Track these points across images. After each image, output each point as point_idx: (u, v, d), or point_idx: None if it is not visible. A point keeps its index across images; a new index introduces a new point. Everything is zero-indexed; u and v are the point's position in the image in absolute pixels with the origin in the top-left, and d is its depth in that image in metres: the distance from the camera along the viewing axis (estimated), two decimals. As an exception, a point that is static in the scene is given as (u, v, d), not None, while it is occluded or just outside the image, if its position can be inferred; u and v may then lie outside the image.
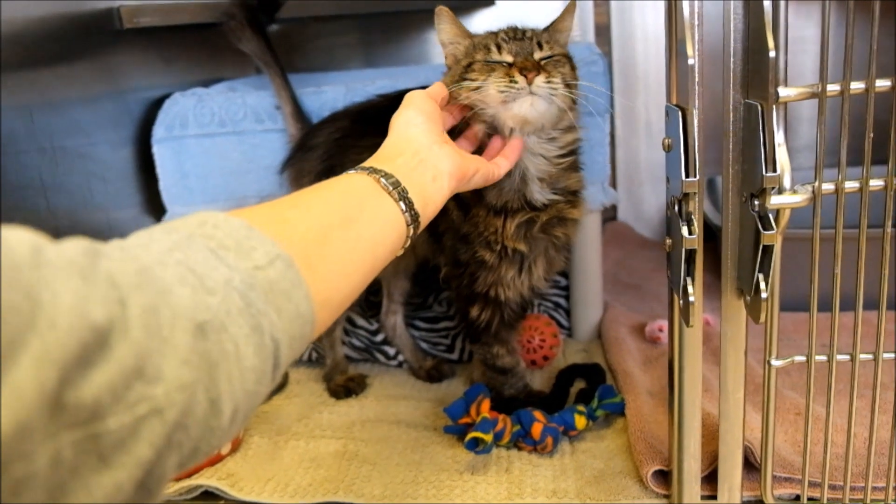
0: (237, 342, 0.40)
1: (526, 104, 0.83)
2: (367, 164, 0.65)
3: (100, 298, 0.32)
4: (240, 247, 0.44)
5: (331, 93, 1.20)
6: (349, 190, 0.60)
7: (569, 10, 0.91)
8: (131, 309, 0.34)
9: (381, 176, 0.62)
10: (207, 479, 0.93)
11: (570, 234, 0.98)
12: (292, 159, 1.16)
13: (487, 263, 0.96)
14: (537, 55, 0.86)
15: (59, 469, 0.30)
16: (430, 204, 0.66)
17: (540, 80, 0.82)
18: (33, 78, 0.98)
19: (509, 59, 0.85)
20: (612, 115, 1.21)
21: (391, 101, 0.98)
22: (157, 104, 1.23)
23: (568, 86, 0.84)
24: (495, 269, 0.96)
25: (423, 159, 0.67)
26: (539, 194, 0.92)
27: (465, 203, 0.95)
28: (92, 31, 1.12)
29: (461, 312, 1.05)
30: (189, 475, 0.95)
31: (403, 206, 0.62)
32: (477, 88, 0.83)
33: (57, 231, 1.00)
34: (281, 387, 1.21)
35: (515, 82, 0.82)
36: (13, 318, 0.29)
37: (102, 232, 1.11)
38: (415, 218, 0.63)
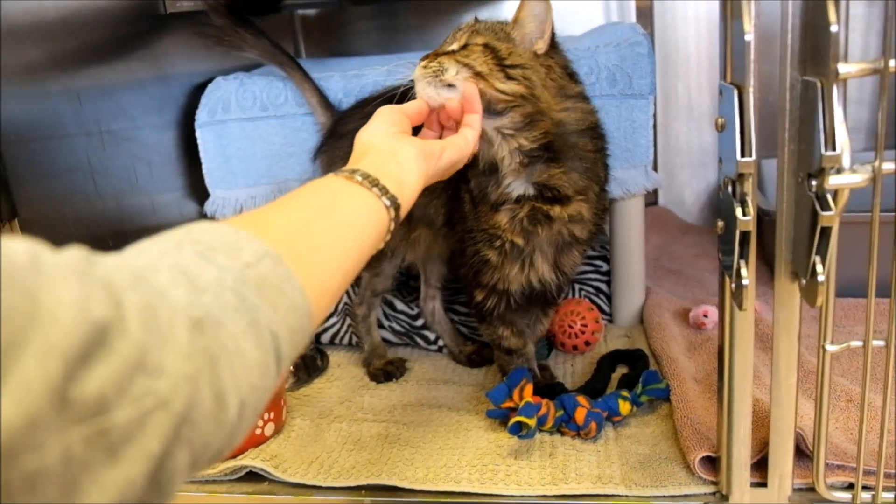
0: (235, 337, 0.40)
1: (416, 89, 0.86)
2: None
3: (98, 298, 0.33)
4: (228, 248, 0.44)
5: (372, 76, 1.19)
6: (322, 188, 0.62)
7: (520, 7, 0.89)
8: (128, 308, 0.34)
9: (350, 173, 0.64)
10: (252, 460, 0.94)
11: (566, 230, 0.96)
12: (324, 146, 1.16)
13: (491, 262, 0.98)
14: (451, 47, 0.88)
15: (71, 465, 0.31)
16: (405, 186, 0.68)
17: (419, 67, 0.85)
18: (80, 62, 0.99)
19: None
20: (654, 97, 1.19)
21: None
22: (199, 88, 1.24)
23: (478, 74, 0.85)
24: (498, 268, 0.98)
25: (385, 153, 0.70)
26: (511, 187, 0.93)
27: (475, 200, 0.97)
28: (137, 16, 1.13)
29: (468, 294, 1.07)
30: (233, 456, 0.96)
31: (378, 192, 0.63)
32: None
33: (104, 214, 1.02)
34: (322, 370, 1.21)
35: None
36: (15, 318, 0.30)
37: (147, 215, 1.12)
38: (393, 201, 0.64)
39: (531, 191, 0.93)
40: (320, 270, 0.52)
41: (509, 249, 0.96)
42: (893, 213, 0.66)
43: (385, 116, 0.78)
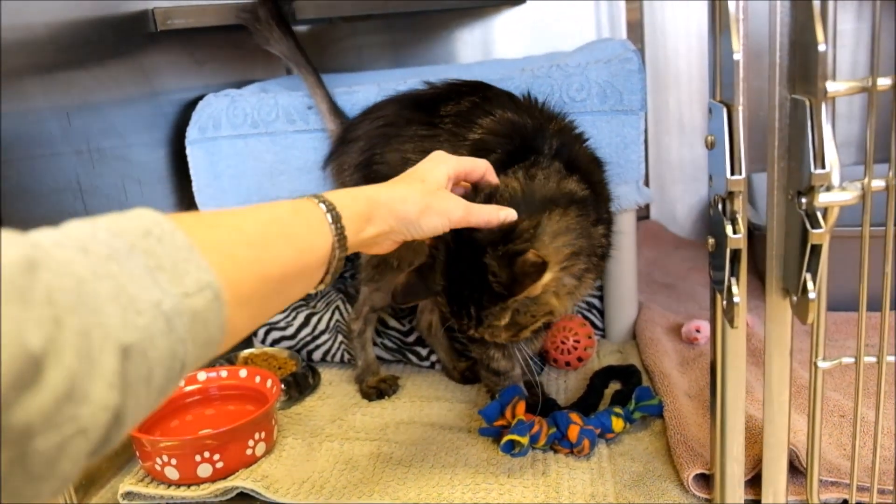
0: (152, 367, 0.41)
1: None
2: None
3: (36, 321, 0.34)
4: (175, 269, 0.45)
5: (363, 92, 1.19)
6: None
7: None
8: (65, 332, 0.35)
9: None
10: (243, 481, 0.93)
11: None
12: (333, 154, 1.16)
13: None
14: None
15: None
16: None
17: None
18: (70, 80, 0.99)
19: None
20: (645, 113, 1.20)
21: (440, 91, 0.97)
22: (190, 106, 1.24)
23: None
24: None
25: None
26: None
27: None
28: (127, 33, 1.13)
29: None
30: (224, 477, 0.95)
31: (316, 201, 0.65)
32: None
33: (93, 233, 1.01)
34: (314, 388, 1.21)
35: None
36: None
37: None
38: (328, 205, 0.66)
39: None
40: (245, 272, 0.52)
41: None
42: (884, 228, 0.66)
43: None
